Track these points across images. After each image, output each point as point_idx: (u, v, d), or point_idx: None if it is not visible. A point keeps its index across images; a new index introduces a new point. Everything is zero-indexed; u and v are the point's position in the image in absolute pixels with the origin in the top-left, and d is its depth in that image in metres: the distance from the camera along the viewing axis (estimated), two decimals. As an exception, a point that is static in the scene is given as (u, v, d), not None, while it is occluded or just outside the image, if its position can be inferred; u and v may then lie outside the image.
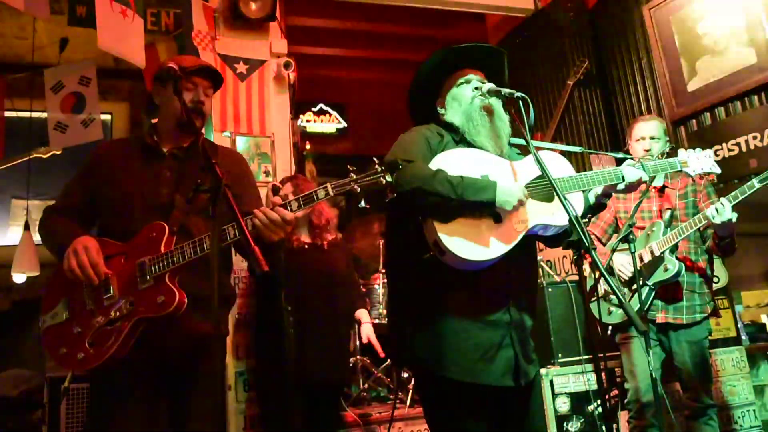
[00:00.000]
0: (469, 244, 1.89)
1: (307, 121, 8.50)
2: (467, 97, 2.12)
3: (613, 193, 3.28)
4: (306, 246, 3.19)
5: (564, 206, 1.82)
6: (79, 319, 2.07)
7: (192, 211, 2.13)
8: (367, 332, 3.82)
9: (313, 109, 8.58)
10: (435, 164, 1.97)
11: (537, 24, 5.93)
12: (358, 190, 1.86)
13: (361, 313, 3.68)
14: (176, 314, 1.99)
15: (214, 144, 2.43)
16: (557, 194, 1.84)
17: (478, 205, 1.90)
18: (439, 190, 1.87)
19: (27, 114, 4.34)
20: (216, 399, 2.24)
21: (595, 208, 2.20)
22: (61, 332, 2.08)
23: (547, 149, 2.44)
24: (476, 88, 2.12)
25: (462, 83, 2.16)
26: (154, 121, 2.32)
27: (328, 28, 6.97)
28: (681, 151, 2.41)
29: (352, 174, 1.87)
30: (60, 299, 2.11)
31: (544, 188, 2.03)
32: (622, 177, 2.08)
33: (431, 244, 1.91)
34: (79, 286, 2.08)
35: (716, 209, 2.78)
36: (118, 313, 2.02)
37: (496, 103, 2.11)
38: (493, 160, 2.05)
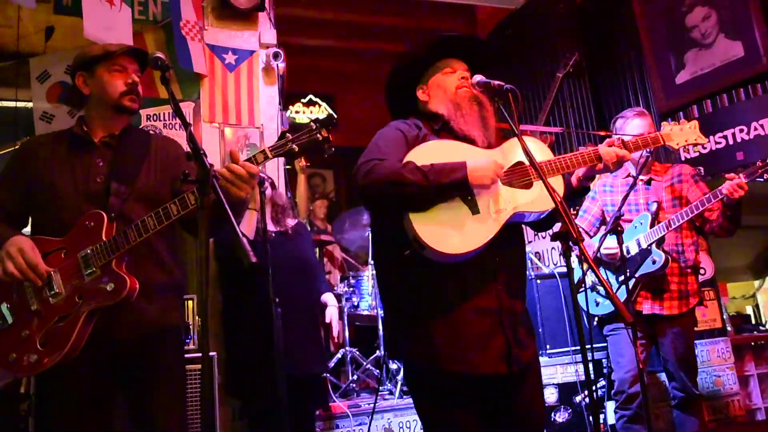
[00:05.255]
0: (448, 238, 1.87)
1: (296, 112, 8.46)
2: (452, 86, 2.10)
3: (599, 187, 3.35)
4: (272, 234, 3.14)
5: (552, 198, 1.81)
6: (25, 322, 1.99)
7: (131, 198, 2.09)
8: (331, 314, 3.72)
9: (303, 100, 8.53)
10: (410, 158, 1.94)
11: (526, 16, 5.94)
12: (296, 149, 1.88)
13: (327, 297, 3.64)
14: (129, 300, 1.95)
15: (145, 131, 2.40)
16: (545, 184, 1.82)
17: (452, 188, 1.87)
18: (410, 180, 1.84)
19: (12, 104, 4.28)
20: (177, 390, 2.18)
21: (578, 192, 2.18)
22: (7, 338, 2.00)
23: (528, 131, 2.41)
24: (463, 78, 2.11)
25: (448, 72, 2.14)
26: (82, 112, 2.25)
27: (318, 18, 6.93)
28: (663, 124, 2.37)
29: (288, 135, 1.89)
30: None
31: (522, 175, 2.02)
32: (599, 157, 2.06)
33: (411, 240, 1.89)
34: (19, 287, 2.01)
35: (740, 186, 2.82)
36: (67, 309, 1.95)
37: (482, 96, 2.09)
38: (470, 150, 2.01)
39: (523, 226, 2.18)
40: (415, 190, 1.85)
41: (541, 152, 2.05)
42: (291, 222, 3.28)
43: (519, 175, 2.03)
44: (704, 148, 4.54)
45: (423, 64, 2.17)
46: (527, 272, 3.93)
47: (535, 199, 1.97)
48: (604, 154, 2.06)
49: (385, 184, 1.87)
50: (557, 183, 2.04)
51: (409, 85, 2.21)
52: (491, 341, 1.93)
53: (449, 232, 1.88)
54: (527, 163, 1.98)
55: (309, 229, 6.00)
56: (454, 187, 1.87)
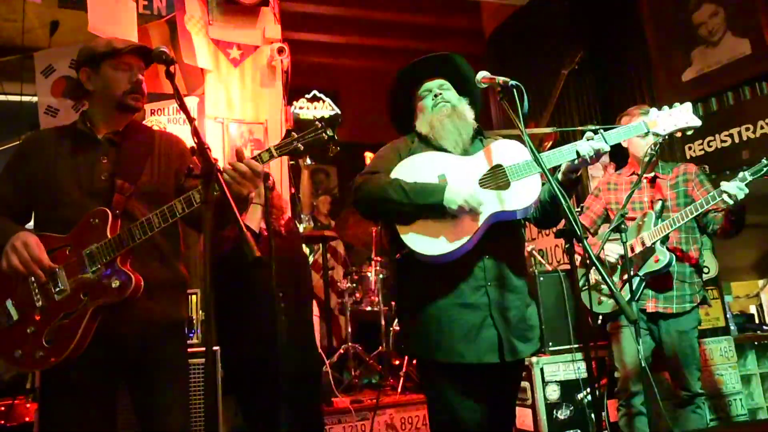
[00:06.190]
0: (430, 242, 2.05)
1: (300, 107, 8.45)
2: (429, 107, 2.30)
3: (603, 185, 3.34)
4: (265, 234, 3.15)
5: (552, 186, 1.85)
6: (30, 318, 1.99)
7: (135, 195, 2.08)
8: None
9: (306, 96, 8.52)
10: (396, 171, 2.16)
11: (532, 13, 5.92)
12: (302, 148, 1.90)
13: None
14: (134, 298, 1.95)
15: (149, 128, 2.39)
16: (546, 174, 1.91)
17: (429, 208, 2.05)
18: (393, 198, 2.07)
19: (17, 98, 4.29)
20: (180, 385, 2.18)
21: (567, 187, 2.22)
22: (12, 335, 1.99)
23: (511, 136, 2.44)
24: (435, 96, 2.29)
25: (425, 94, 2.32)
26: (85, 108, 2.25)
27: (322, 14, 6.91)
28: (653, 111, 2.30)
29: (293, 133, 1.91)
30: (4, 301, 2.03)
31: (499, 177, 2.14)
32: (577, 152, 2.11)
33: (404, 244, 2.07)
34: (24, 284, 2.00)
35: (738, 188, 2.76)
36: (73, 306, 1.95)
37: (460, 104, 2.28)
38: (453, 160, 2.18)
39: (525, 225, 2.25)
40: (396, 206, 2.08)
41: (518, 152, 2.17)
42: (283, 222, 3.31)
43: (496, 177, 2.15)
44: (710, 146, 4.53)
45: (409, 91, 2.37)
46: (530, 269, 3.95)
47: (513, 197, 2.10)
48: (580, 148, 2.11)
49: (371, 200, 2.14)
50: (535, 180, 2.13)
51: (408, 111, 2.41)
52: (481, 334, 2.09)
53: (430, 235, 2.07)
54: (505, 165, 2.15)
55: (314, 224, 6.02)
56: (430, 207, 2.06)
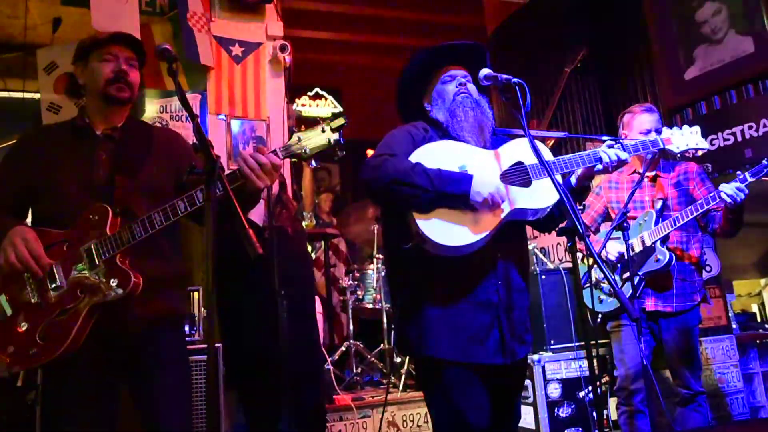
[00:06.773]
0: (448, 232, 1.96)
1: (303, 105, 8.45)
2: (450, 94, 2.18)
3: (605, 183, 3.34)
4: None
5: (557, 189, 1.85)
6: (25, 314, 1.96)
7: (135, 191, 2.06)
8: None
9: (309, 93, 8.52)
10: (416, 156, 2.04)
11: (534, 10, 5.91)
12: (308, 152, 1.90)
13: None
14: (132, 296, 1.93)
15: (148, 123, 2.38)
16: (551, 177, 1.88)
17: (453, 197, 1.96)
18: (417, 182, 1.94)
19: (20, 95, 4.30)
20: (180, 382, 2.18)
21: (578, 192, 2.23)
22: (5, 331, 1.96)
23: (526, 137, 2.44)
24: (460, 84, 2.18)
25: (447, 80, 2.22)
26: (82, 103, 2.22)
27: (325, 11, 6.91)
28: (665, 129, 2.38)
29: (298, 135, 1.90)
30: None
31: (521, 174, 2.10)
32: (600, 158, 2.11)
33: (413, 234, 1.98)
34: (19, 279, 1.97)
35: (738, 190, 2.77)
36: (69, 303, 1.93)
37: (481, 99, 2.19)
38: (473, 151, 2.11)
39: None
40: (418, 192, 1.95)
41: (544, 153, 2.09)
42: (292, 222, 3.33)
43: (518, 175, 2.10)
44: (712, 145, 4.52)
45: (424, 78, 2.27)
46: (533, 267, 3.95)
47: (534, 197, 2.05)
48: (603, 156, 2.11)
49: (391, 181, 1.96)
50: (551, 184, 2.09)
51: (416, 94, 2.31)
52: (490, 334, 2.04)
53: (449, 226, 1.97)
54: (527, 163, 2.09)
55: (316, 222, 6.03)
56: (455, 197, 1.96)
